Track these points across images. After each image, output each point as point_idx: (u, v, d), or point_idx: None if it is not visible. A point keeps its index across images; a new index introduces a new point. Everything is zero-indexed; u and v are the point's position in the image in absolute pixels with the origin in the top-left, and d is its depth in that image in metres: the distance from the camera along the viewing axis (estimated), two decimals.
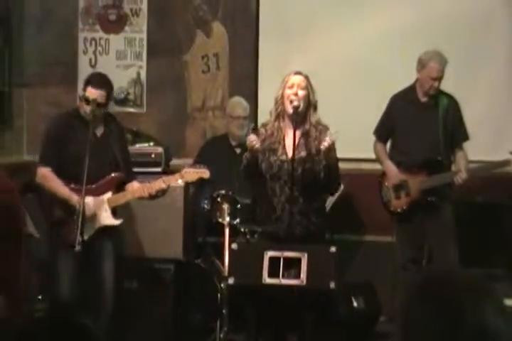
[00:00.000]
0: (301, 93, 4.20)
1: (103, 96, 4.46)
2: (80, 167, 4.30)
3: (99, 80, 4.51)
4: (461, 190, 5.08)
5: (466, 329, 1.28)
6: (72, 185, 4.44)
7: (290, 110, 4.17)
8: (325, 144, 4.07)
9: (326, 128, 4.26)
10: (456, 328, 1.29)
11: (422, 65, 5.02)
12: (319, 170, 4.18)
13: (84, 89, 4.48)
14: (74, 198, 4.37)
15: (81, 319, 1.31)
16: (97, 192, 4.48)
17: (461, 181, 4.89)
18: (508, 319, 1.31)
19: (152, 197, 4.52)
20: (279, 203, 4.20)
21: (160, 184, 4.46)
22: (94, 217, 4.45)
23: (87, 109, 4.45)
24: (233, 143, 5.60)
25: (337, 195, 5.53)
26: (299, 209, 4.19)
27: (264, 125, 4.34)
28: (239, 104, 5.64)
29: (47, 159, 4.54)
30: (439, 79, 5.00)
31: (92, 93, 4.44)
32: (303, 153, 4.21)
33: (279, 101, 4.24)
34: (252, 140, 4.17)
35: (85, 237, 4.26)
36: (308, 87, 4.23)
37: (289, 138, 4.19)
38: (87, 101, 4.44)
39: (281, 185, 4.19)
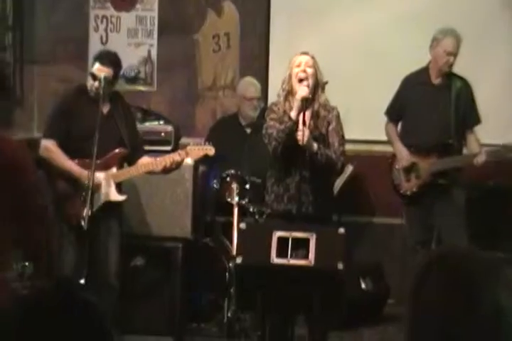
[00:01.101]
0: (310, 70, 4.19)
1: (110, 73, 4.46)
2: (86, 143, 4.30)
3: (108, 58, 4.51)
4: (472, 173, 5.06)
5: (480, 304, 1.27)
6: (76, 161, 4.44)
7: (299, 100, 4.13)
8: (333, 124, 4.15)
9: (333, 108, 4.25)
10: (470, 303, 1.28)
11: (437, 41, 4.97)
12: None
13: (93, 66, 4.48)
14: (83, 173, 4.36)
15: (86, 295, 1.30)
16: (102, 168, 4.48)
17: (481, 163, 4.85)
18: None
19: (166, 170, 4.49)
20: (292, 182, 4.18)
21: (175, 157, 4.44)
22: (99, 192, 4.45)
23: (92, 85, 4.44)
24: (243, 123, 5.58)
25: (346, 176, 5.53)
26: (310, 189, 4.18)
27: (275, 104, 4.32)
28: (252, 85, 5.61)
29: (52, 132, 4.53)
30: (454, 55, 4.94)
31: (100, 70, 4.44)
32: (314, 133, 4.20)
33: (287, 80, 4.22)
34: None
35: (90, 213, 4.26)
36: (316, 66, 4.22)
37: (300, 118, 4.17)
38: (94, 77, 4.44)
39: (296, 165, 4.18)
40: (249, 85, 5.61)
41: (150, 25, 6.39)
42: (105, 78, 4.42)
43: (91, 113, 4.39)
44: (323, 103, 4.25)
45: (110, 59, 4.50)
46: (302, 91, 4.11)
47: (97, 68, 4.45)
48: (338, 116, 4.26)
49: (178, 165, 4.48)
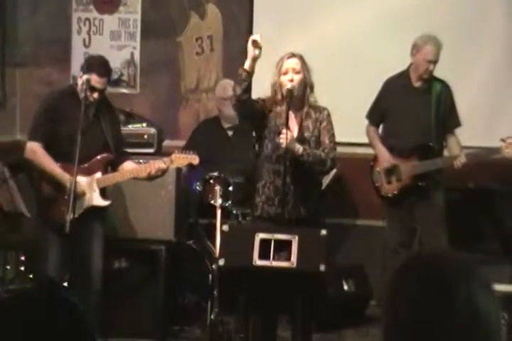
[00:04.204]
0: (297, 77, 4.18)
1: (106, 84, 4.49)
2: (71, 146, 4.29)
3: (105, 68, 4.51)
4: (452, 175, 5.10)
5: (456, 305, 1.29)
6: (59, 164, 4.44)
7: (284, 93, 4.16)
8: (324, 123, 4.21)
9: (324, 108, 4.28)
10: (446, 304, 1.30)
11: (417, 48, 5.01)
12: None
13: (86, 73, 4.43)
14: (66, 177, 4.36)
15: (67, 297, 1.31)
16: (87, 172, 4.48)
17: (461, 165, 4.89)
18: (495, 299, 1.32)
19: (151, 177, 4.50)
20: (282, 185, 4.18)
21: (160, 164, 4.45)
22: (83, 196, 4.45)
23: (90, 95, 4.41)
24: (225, 126, 5.60)
25: (330, 177, 5.55)
26: (300, 191, 4.20)
27: (263, 99, 4.30)
28: (229, 85, 5.62)
29: (38, 134, 4.51)
30: (435, 62, 4.99)
31: (98, 81, 4.42)
32: (306, 134, 4.22)
33: (277, 87, 4.22)
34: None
35: (73, 216, 4.26)
36: (303, 69, 4.21)
37: (293, 121, 4.19)
38: (93, 89, 4.42)
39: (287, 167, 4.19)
40: (226, 85, 5.62)
41: (133, 28, 6.39)
42: (103, 90, 4.46)
43: (78, 116, 4.38)
44: (313, 104, 4.27)
45: (106, 69, 4.51)
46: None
47: (96, 80, 4.42)
48: (328, 116, 4.28)
49: (163, 172, 4.50)
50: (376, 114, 5.21)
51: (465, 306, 1.29)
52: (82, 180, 4.41)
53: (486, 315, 1.30)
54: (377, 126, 5.25)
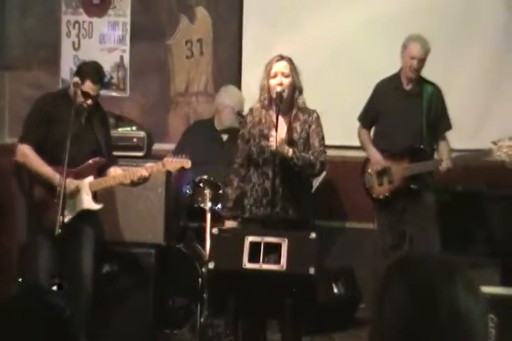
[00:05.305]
0: (286, 81, 4.19)
1: (100, 89, 4.51)
2: (63, 149, 4.29)
3: (99, 76, 4.52)
4: (442, 178, 5.11)
5: (439, 306, 1.30)
6: (52, 167, 4.42)
7: (274, 96, 4.16)
8: (313, 126, 4.21)
9: (313, 111, 4.28)
10: (429, 305, 1.30)
11: (404, 47, 5.05)
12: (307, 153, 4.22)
13: (82, 82, 4.43)
14: (57, 177, 4.35)
15: (53, 300, 1.30)
16: (79, 176, 4.47)
17: (446, 169, 4.91)
18: (479, 300, 1.33)
19: (134, 184, 4.52)
20: (270, 187, 4.18)
21: (142, 172, 4.45)
22: (75, 200, 4.45)
23: (84, 102, 4.43)
24: (218, 128, 5.58)
25: (320, 180, 5.55)
26: (290, 193, 4.20)
27: (251, 112, 4.32)
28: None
29: (29, 137, 4.51)
30: (420, 60, 5.00)
31: (93, 88, 4.44)
32: (294, 136, 4.22)
33: (265, 90, 4.22)
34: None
35: (65, 220, 4.25)
36: (292, 72, 4.22)
37: (280, 123, 4.19)
38: (86, 95, 4.42)
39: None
40: (228, 94, 5.59)
41: (122, 31, 6.39)
42: (97, 96, 4.46)
43: (70, 120, 4.37)
44: (302, 106, 4.27)
45: (100, 75, 4.53)
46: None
47: (91, 87, 4.43)
48: (318, 119, 4.28)
49: (144, 180, 4.51)
50: (368, 117, 5.23)
51: (448, 306, 1.30)
52: (71, 181, 4.40)
53: (469, 314, 1.31)
54: (369, 129, 5.27)
